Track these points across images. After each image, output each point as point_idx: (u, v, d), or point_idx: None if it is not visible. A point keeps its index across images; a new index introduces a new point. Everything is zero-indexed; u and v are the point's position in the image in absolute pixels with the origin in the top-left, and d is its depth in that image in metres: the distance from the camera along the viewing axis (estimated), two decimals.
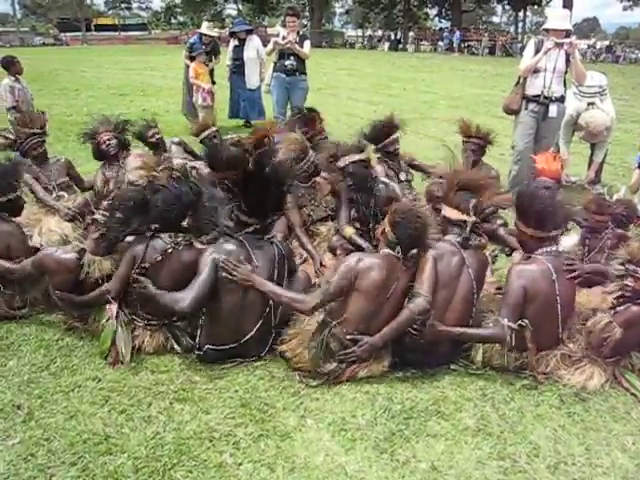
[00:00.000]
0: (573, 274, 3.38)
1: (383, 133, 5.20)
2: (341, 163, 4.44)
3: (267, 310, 3.42)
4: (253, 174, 3.56)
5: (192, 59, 9.82)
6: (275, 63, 8.43)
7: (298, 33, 8.24)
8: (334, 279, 3.23)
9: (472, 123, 5.29)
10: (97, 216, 3.75)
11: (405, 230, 3.23)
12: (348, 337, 3.22)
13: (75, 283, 3.66)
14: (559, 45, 5.84)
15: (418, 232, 3.25)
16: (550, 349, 3.36)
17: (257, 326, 3.40)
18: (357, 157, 4.42)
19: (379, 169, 5.14)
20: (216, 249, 3.41)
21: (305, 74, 8.38)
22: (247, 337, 3.39)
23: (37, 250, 3.97)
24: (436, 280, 3.28)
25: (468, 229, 3.47)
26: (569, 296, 3.38)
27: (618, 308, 3.28)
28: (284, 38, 8.11)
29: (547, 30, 6.03)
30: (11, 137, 5.09)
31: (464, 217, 3.46)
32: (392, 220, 3.27)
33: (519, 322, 3.20)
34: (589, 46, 38.87)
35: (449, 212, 3.50)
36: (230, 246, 3.44)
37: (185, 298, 3.22)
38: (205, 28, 10.36)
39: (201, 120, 7.12)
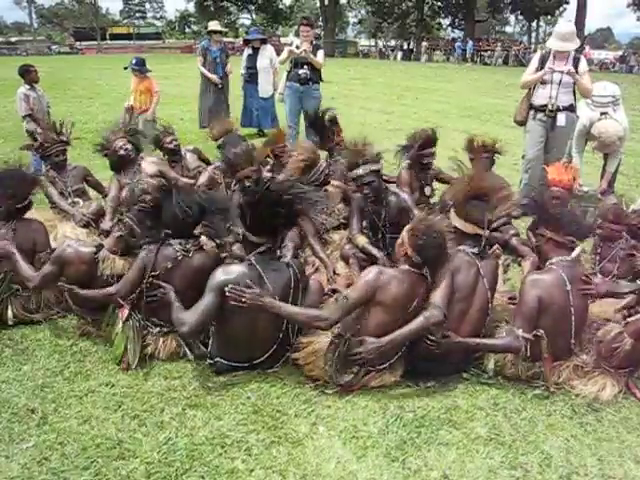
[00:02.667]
0: (588, 292, 3.36)
1: (422, 143, 5.16)
2: (360, 171, 4.36)
3: (281, 334, 3.40)
4: (259, 196, 3.34)
5: (204, 57, 9.92)
6: (288, 72, 8.43)
7: (311, 43, 8.25)
8: (353, 293, 3.20)
9: (477, 137, 5.26)
10: (125, 217, 3.80)
11: (430, 251, 3.20)
12: (357, 339, 3.20)
13: (88, 278, 3.70)
14: (558, 71, 5.82)
15: (442, 250, 3.24)
16: (562, 359, 3.34)
17: (270, 351, 3.40)
18: (373, 167, 4.37)
19: (404, 177, 5.15)
20: (225, 271, 3.30)
21: (318, 83, 8.39)
22: (260, 360, 3.40)
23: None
24: (452, 292, 3.28)
25: (483, 243, 3.47)
26: (583, 306, 3.36)
27: (630, 318, 3.26)
28: (298, 47, 8.15)
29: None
30: (39, 139, 5.20)
31: (479, 231, 3.45)
32: (414, 243, 3.21)
33: (534, 332, 3.19)
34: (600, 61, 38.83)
35: (463, 225, 3.47)
36: (240, 268, 3.31)
37: (186, 323, 3.19)
38: (213, 25, 10.43)
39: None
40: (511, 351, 3.28)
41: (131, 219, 3.75)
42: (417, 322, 3.19)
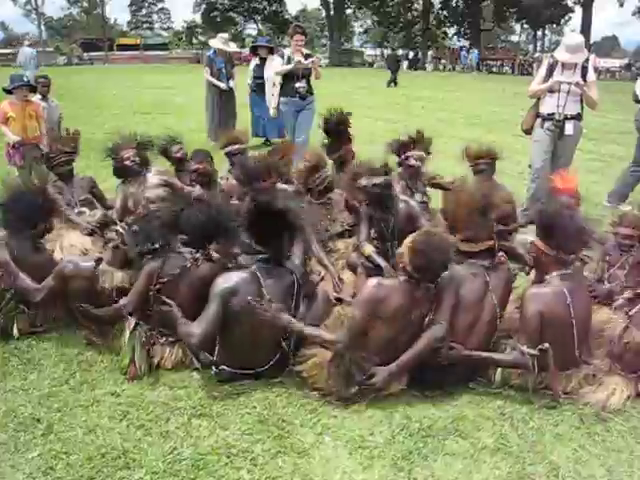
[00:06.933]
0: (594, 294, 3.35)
1: (404, 146, 5.16)
2: (364, 183, 4.25)
3: (282, 343, 3.42)
4: (263, 211, 3.44)
5: (211, 71, 9.91)
6: (282, 85, 7.94)
7: (302, 53, 7.87)
8: (357, 311, 3.23)
9: (473, 145, 5.24)
10: (118, 227, 3.82)
11: (428, 270, 3.17)
12: (365, 375, 3.18)
13: (91, 292, 3.70)
14: (566, 82, 5.81)
15: (439, 266, 3.19)
16: (568, 369, 3.32)
17: (273, 360, 3.41)
18: (382, 179, 4.26)
19: (397, 186, 5.11)
20: (225, 278, 3.37)
21: (313, 94, 8.11)
22: (263, 368, 3.40)
23: None
24: (456, 305, 3.29)
25: (497, 256, 3.48)
26: (585, 318, 3.34)
27: (632, 311, 3.26)
28: (290, 58, 7.79)
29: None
30: (44, 150, 5.22)
31: (489, 245, 3.45)
32: (412, 259, 3.16)
33: (539, 347, 3.17)
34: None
35: (472, 247, 3.45)
36: (240, 275, 3.39)
37: (194, 335, 3.22)
38: (216, 42, 10.29)
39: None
40: (519, 367, 3.28)
41: (124, 229, 3.77)
42: (421, 342, 3.21)
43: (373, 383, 3.18)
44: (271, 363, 3.40)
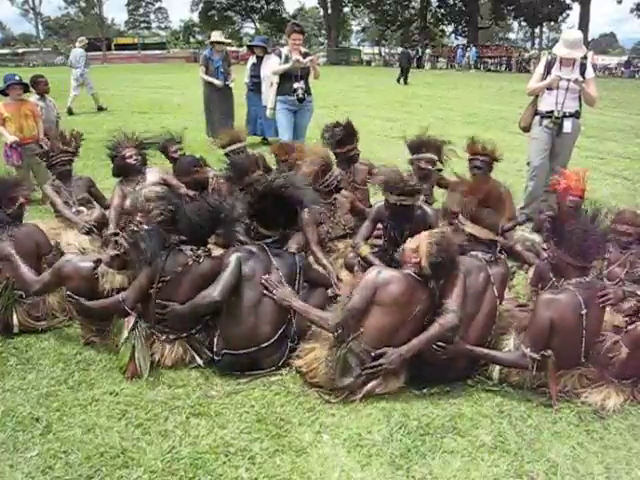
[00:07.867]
0: (608, 302, 3.33)
1: (418, 148, 5.16)
2: (391, 198, 4.17)
3: (287, 316, 3.50)
4: (268, 190, 3.63)
5: (207, 70, 9.92)
6: (279, 85, 7.65)
7: (300, 52, 7.58)
8: (355, 294, 3.24)
9: (478, 140, 5.24)
10: (120, 239, 3.81)
11: (444, 269, 3.24)
12: (375, 353, 3.19)
13: (90, 292, 3.71)
14: (565, 79, 5.79)
15: (453, 267, 3.27)
16: (568, 369, 3.32)
17: (277, 334, 3.45)
18: (412, 200, 4.18)
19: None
20: (238, 248, 3.57)
21: (311, 95, 7.90)
22: (267, 344, 3.43)
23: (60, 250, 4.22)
24: (465, 297, 3.28)
25: (498, 249, 3.49)
26: (596, 328, 3.30)
27: (629, 327, 3.25)
28: (287, 57, 7.54)
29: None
30: (46, 147, 5.23)
31: (493, 237, 3.49)
32: (431, 258, 3.18)
33: (542, 352, 3.17)
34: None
35: (479, 232, 3.48)
36: (253, 248, 3.59)
37: (213, 291, 3.35)
38: (215, 36, 10.37)
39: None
40: (517, 367, 3.29)
41: (126, 240, 3.77)
42: (434, 329, 3.19)
43: (381, 364, 3.18)
44: (275, 338, 3.45)
